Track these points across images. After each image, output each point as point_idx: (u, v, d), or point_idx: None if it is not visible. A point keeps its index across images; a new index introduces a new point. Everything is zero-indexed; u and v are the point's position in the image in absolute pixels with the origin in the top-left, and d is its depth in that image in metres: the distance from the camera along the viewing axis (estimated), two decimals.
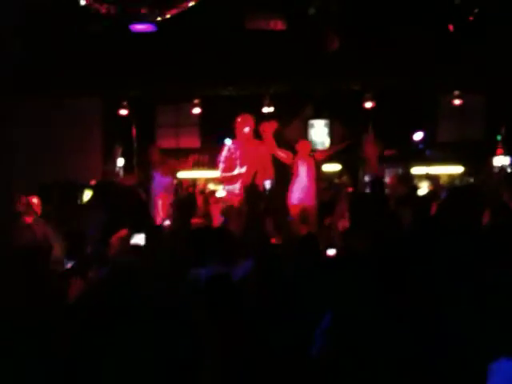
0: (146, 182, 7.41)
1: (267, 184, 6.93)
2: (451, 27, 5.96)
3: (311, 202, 6.96)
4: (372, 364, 1.73)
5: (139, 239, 3.43)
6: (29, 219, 5.61)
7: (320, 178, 7.39)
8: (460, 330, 1.66)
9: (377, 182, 5.11)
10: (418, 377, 1.67)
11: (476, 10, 5.70)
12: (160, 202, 6.83)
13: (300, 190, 6.94)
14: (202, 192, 9.50)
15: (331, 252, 4.19)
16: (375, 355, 1.74)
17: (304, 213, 6.93)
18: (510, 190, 6.27)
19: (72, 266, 3.30)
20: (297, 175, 6.99)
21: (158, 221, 6.77)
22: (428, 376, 1.65)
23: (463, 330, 1.65)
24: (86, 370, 1.71)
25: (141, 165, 8.92)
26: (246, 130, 6.18)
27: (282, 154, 7.02)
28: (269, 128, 6.94)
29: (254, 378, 2.06)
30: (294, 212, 6.98)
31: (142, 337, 1.73)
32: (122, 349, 1.68)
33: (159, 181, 7.12)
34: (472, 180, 10.74)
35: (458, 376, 1.56)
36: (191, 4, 3.65)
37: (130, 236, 3.71)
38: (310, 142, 7.44)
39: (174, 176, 7.48)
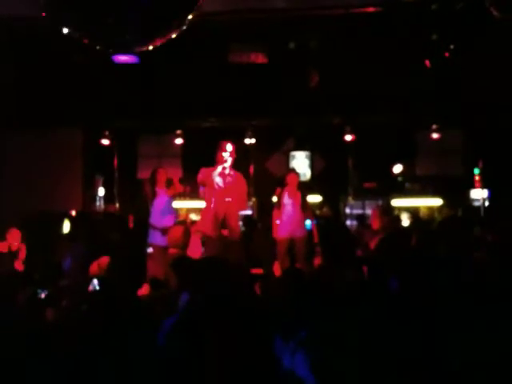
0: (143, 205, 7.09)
1: (247, 213, 6.87)
2: (428, 63, 6.12)
3: (301, 233, 6.89)
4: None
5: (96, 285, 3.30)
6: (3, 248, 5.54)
7: (308, 209, 7.32)
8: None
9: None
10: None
11: (452, 46, 5.87)
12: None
13: (289, 222, 6.88)
14: (183, 222, 9.45)
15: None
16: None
17: (292, 245, 6.85)
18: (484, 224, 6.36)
19: (46, 296, 3.24)
20: (283, 207, 6.92)
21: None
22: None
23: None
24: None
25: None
26: (226, 155, 6.16)
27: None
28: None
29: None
30: (280, 244, 6.90)
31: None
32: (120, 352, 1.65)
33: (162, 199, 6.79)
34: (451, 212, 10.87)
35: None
36: (174, 35, 3.70)
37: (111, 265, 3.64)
38: (298, 174, 7.37)
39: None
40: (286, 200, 6.90)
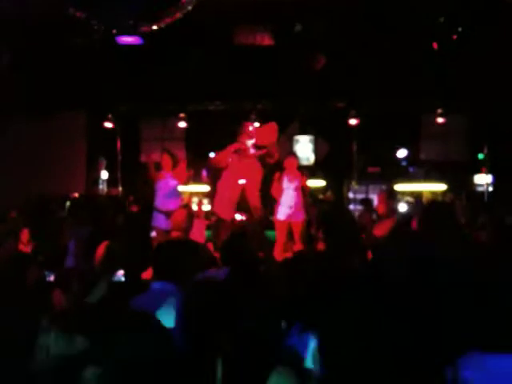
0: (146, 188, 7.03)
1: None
2: (435, 45, 6.05)
3: (299, 217, 6.86)
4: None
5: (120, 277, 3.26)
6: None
7: (308, 194, 7.30)
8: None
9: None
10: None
11: (460, 29, 5.80)
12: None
13: (287, 206, 6.85)
14: (186, 206, 9.44)
15: None
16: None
17: (291, 229, 6.84)
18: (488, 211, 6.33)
19: (54, 279, 3.24)
20: (283, 190, 6.88)
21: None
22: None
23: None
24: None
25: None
26: (246, 135, 6.12)
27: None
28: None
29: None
30: (279, 227, 6.88)
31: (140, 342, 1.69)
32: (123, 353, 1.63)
33: (167, 183, 6.75)
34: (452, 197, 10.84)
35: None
36: (178, 17, 3.66)
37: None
38: (298, 158, 7.31)
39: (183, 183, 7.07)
40: (286, 184, 6.85)
